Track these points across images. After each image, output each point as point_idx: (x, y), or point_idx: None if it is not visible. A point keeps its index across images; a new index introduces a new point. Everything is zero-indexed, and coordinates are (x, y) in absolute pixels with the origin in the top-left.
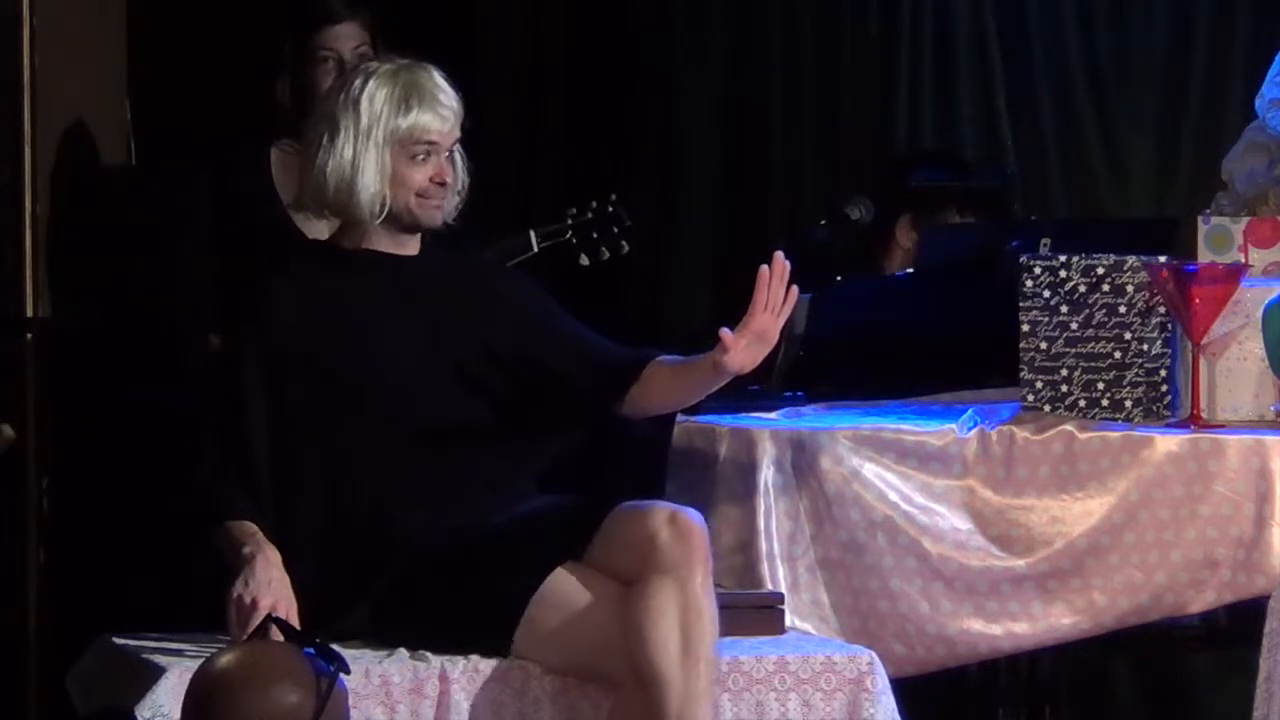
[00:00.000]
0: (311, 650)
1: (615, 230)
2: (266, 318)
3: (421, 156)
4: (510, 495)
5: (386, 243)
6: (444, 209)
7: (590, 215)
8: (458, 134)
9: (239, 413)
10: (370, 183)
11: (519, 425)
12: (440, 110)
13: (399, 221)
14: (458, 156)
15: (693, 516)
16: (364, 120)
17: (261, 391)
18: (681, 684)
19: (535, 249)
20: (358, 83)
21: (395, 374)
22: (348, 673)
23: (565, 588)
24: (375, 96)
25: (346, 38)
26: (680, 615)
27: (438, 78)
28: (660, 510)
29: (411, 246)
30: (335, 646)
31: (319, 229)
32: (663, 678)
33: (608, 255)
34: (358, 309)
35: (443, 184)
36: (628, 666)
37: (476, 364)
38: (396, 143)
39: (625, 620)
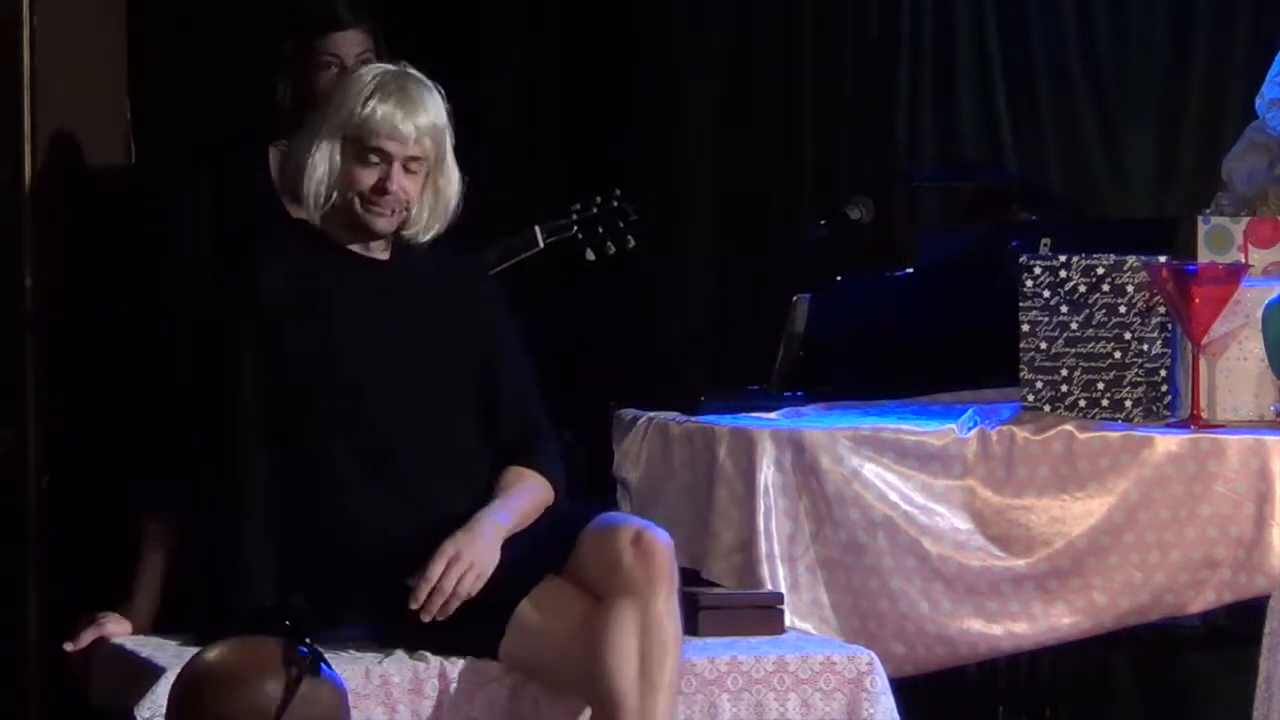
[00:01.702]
0: (305, 647)
1: (621, 225)
2: (259, 315)
3: (374, 159)
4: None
5: (355, 243)
6: (391, 220)
7: (595, 210)
8: (421, 153)
9: (224, 409)
10: (317, 169)
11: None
12: (403, 121)
13: (346, 220)
14: (450, 173)
15: (659, 536)
16: (333, 106)
17: (249, 390)
18: (637, 706)
19: (541, 245)
20: (351, 79)
21: (374, 382)
22: (320, 663)
23: (544, 603)
24: (350, 85)
25: (350, 43)
26: (640, 638)
27: (424, 94)
28: (626, 529)
29: (379, 251)
30: (335, 648)
31: None
32: (619, 699)
33: (613, 250)
34: (339, 311)
35: (386, 193)
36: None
37: (446, 375)
38: (348, 137)
39: (588, 640)
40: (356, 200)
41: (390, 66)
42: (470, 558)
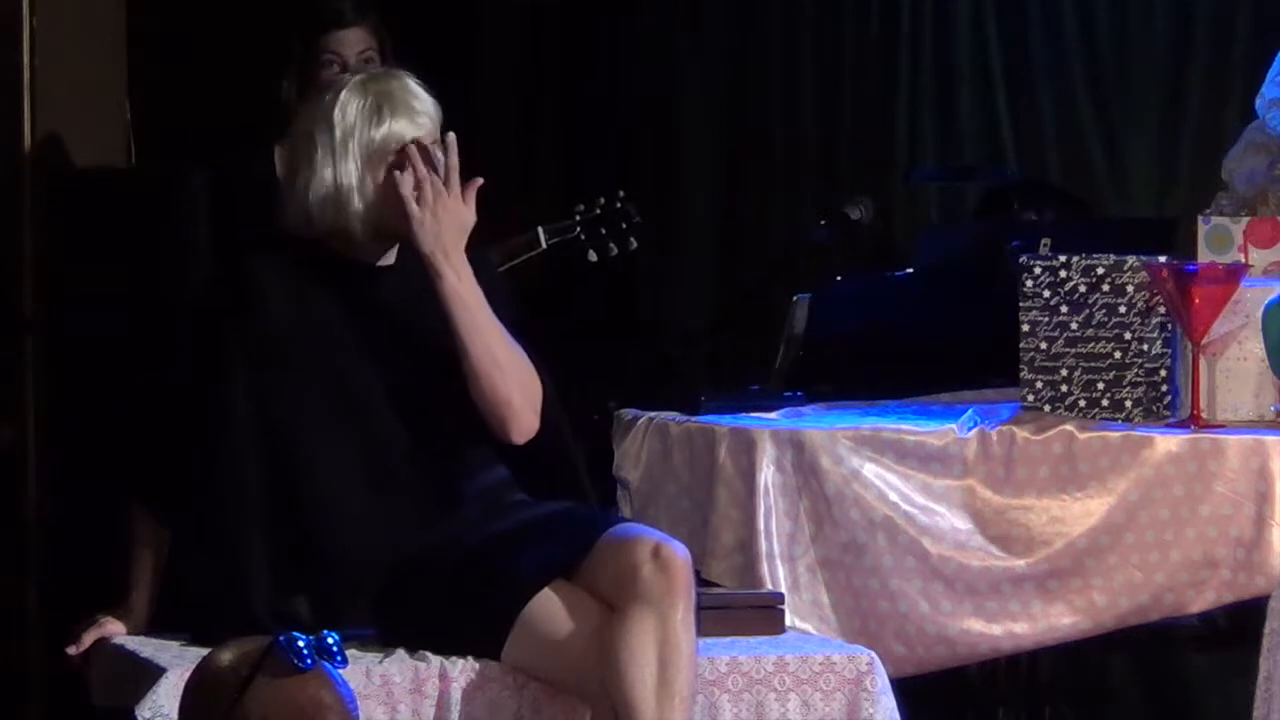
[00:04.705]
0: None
1: (623, 227)
2: (255, 317)
3: (403, 165)
4: (506, 504)
5: (367, 252)
6: None
7: (599, 212)
8: (437, 137)
9: (220, 412)
10: (357, 199)
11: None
12: (416, 118)
13: (391, 233)
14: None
15: (677, 549)
16: (338, 135)
17: (245, 391)
18: (655, 717)
19: (543, 246)
20: (328, 98)
21: (375, 387)
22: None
23: (552, 606)
24: (347, 110)
25: (353, 43)
26: (658, 648)
27: (410, 84)
28: (645, 541)
29: (389, 256)
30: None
31: None
32: (637, 710)
33: (616, 252)
34: (341, 319)
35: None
36: (602, 691)
37: (448, 376)
38: (375, 155)
39: (603, 648)
40: (469, 187)
41: (359, 77)
42: (445, 201)
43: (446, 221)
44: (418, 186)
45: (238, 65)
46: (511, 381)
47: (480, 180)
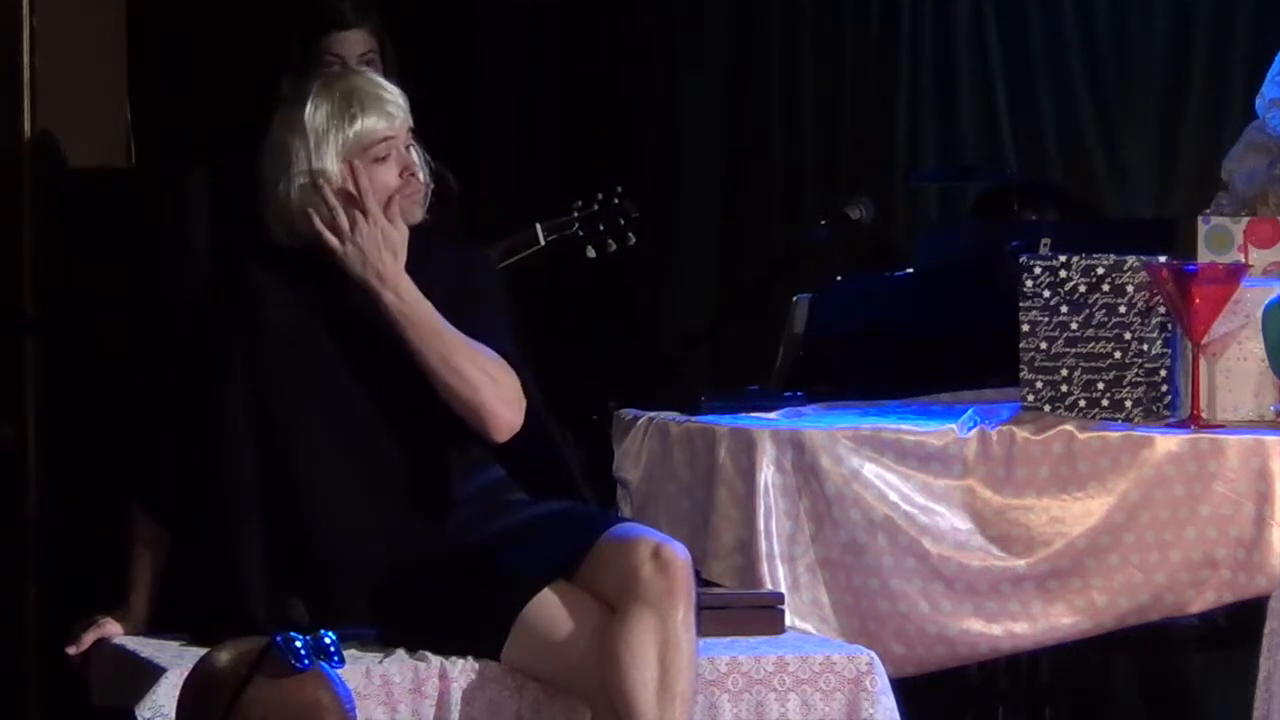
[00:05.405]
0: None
1: (622, 223)
2: (253, 319)
3: (383, 157)
4: (505, 504)
5: None
6: (422, 203)
7: (597, 208)
8: (410, 124)
9: (218, 414)
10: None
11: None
12: (386, 108)
13: None
14: (415, 150)
15: (678, 550)
16: (312, 140)
17: (243, 392)
18: (656, 717)
19: (542, 242)
20: (295, 107)
21: (374, 387)
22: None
23: (552, 606)
24: (317, 114)
25: (354, 44)
26: (659, 649)
27: (375, 78)
28: (645, 542)
29: None
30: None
31: None
32: (638, 711)
33: (614, 248)
34: (335, 322)
35: (414, 175)
36: (602, 691)
37: None
38: (352, 154)
39: (604, 649)
40: (390, 205)
41: (320, 81)
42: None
43: (369, 245)
44: (332, 218)
45: (238, 65)
46: (478, 385)
47: (394, 196)
